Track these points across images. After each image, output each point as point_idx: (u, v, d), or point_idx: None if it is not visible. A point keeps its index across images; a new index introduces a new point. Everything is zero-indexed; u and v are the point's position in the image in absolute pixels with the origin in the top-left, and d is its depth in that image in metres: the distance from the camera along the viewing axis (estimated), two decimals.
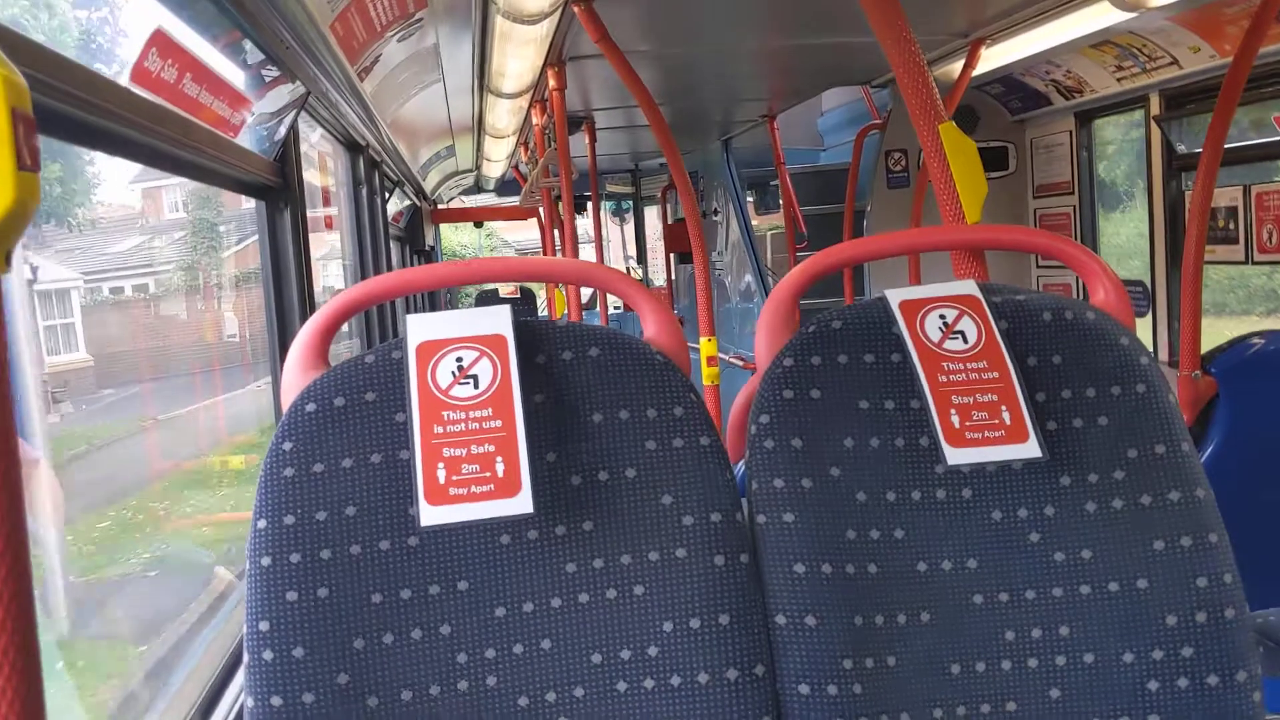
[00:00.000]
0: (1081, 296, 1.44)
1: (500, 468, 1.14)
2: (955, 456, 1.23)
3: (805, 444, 1.28)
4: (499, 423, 1.16)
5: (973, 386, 1.27)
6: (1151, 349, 4.42)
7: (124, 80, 1.71)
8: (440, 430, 1.16)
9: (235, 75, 2.44)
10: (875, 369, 1.31)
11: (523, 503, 1.12)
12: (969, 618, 1.24)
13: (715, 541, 1.22)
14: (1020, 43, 4.26)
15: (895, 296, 1.33)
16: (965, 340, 1.29)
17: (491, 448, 1.15)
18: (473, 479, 1.13)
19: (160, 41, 1.84)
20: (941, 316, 1.31)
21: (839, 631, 1.22)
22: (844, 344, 1.32)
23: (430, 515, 1.12)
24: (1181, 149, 4.33)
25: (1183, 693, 1.23)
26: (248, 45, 2.36)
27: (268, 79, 2.54)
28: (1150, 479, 1.28)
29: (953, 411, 1.25)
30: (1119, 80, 4.45)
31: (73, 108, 1.37)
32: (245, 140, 2.45)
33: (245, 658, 1.16)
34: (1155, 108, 4.37)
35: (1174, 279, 4.32)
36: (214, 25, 2.18)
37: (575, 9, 3.28)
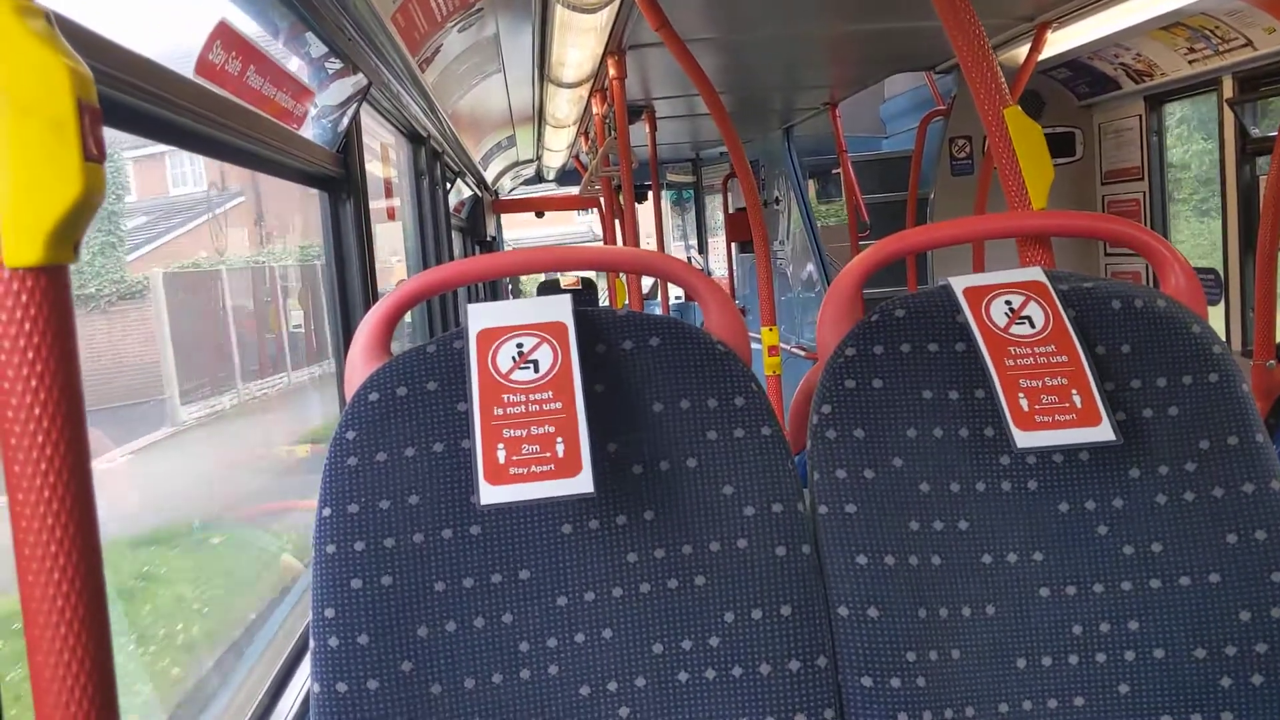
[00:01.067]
0: (1152, 284, 1.41)
1: (560, 448, 1.14)
2: (1024, 440, 1.21)
3: (868, 434, 1.26)
4: (559, 404, 1.16)
5: (1041, 370, 1.24)
6: (1224, 338, 4.33)
7: (189, 73, 1.73)
8: (500, 412, 1.16)
9: (298, 67, 2.47)
10: (939, 358, 1.29)
11: (583, 482, 1.12)
12: (1035, 611, 1.22)
13: (777, 532, 1.22)
14: (1088, 26, 4.19)
15: (959, 284, 1.31)
16: (1032, 325, 1.27)
17: (551, 429, 1.15)
18: (533, 459, 1.13)
19: (224, 34, 1.86)
20: (1007, 302, 1.29)
21: (902, 623, 1.20)
22: (907, 333, 1.30)
23: (490, 494, 1.12)
24: (1255, 132, 4.23)
25: (1257, 690, 1.19)
26: (310, 37, 2.38)
27: (330, 71, 2.56)
28: (1223, 471, 1.25)
29: (1021, 395, 1.23)
30: (1190, 63, 4.35)
31: (138, 100, 1.39)
32: (308, 132, 2.48)
33: (311, 644, 1.17)
34: (1228, 90, 4.27)
35: (1248, 266, 4.22)
36: (277, 18, 2.21)
37: None
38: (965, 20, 1.65)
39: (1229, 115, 4.28)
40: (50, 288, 0.67)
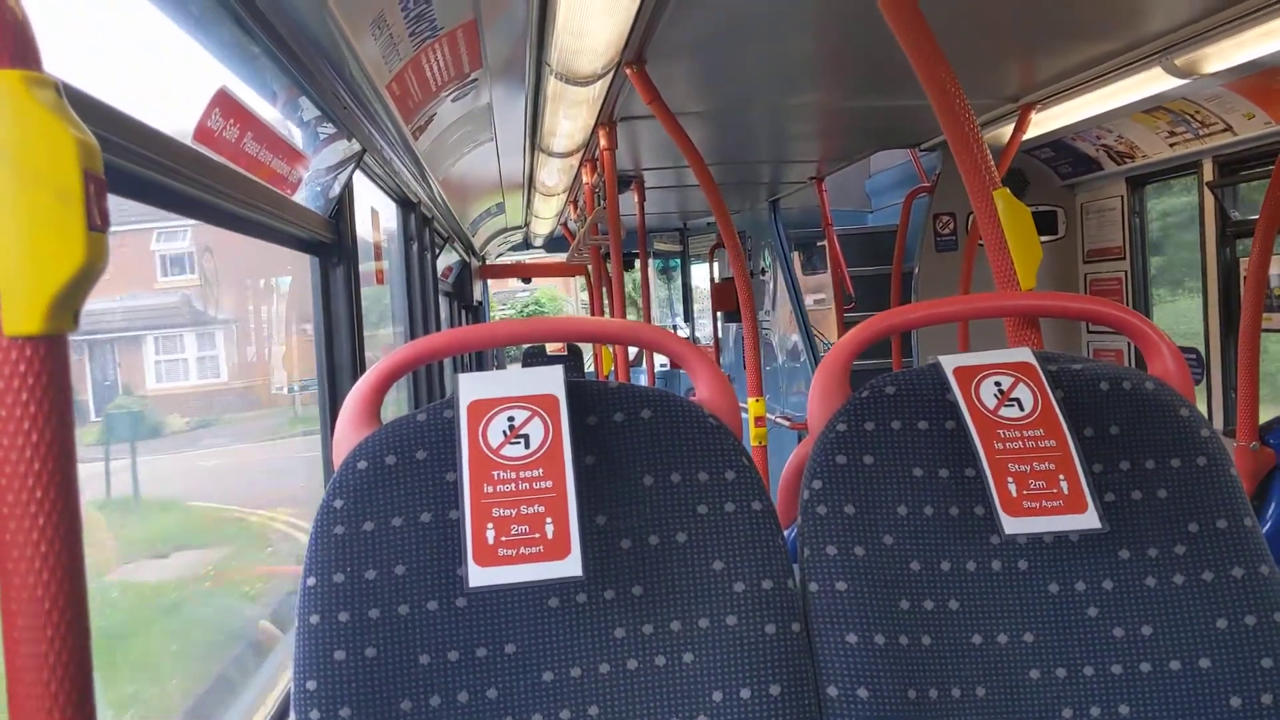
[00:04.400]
0: (1134, 362, 1.42)
1: (550, 529, 1.13)
2: (1012, 525, 1.21)
3: (858, 511, 1.26)
4: (549, 483, 1.15)
5: (1029, 455, 1.25)
6: (1206, 418, 4.35)
7: (187, 139, 1.75)
8: (490, 490, 1.15)
9: (293, 133, 2.49)
10: (929, 436, 1.29)
11: (572, 565, 1.11)
12: (1025, 693, 1.21)
13: (766, 609, 1.21)
14: (1071, 108, 4.26)
15: (949, 363, 1.32)
16: (1021, 408, 1.28)
17: (541, 509, 1.14)
18: (522, 540, 1.13)
19: (223, 102, 1.88)
20: (996, 383, 1.30)
21: (892, 705, 1.19)
22: (898, 410, 1.30)
23: (479, 576, 1.11)
24: (1235, 215, 4.29)
25: None
26: (305, 103, 2.41)
27: (324, 136, 2.58)
28: (1212, 554, 1.25)
29: (1009, 479, 1.23)
30: (1171, 146, 4.43)
31: (139, 166, 1.40)
32: (301, 197, 2.49)
33: (292, 716, 1.16)
34: (1208, 173, 4.34)
35: (1229, 347, 4.26)
36: (273, 84, 2.23)
37: (627, 71, 3.33)
38: (954, 102, 1.68)
39: (1209, 198, 4.35)
40: (49, 356, 0.67)
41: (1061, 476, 1.23)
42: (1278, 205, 3.00)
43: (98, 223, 0.69)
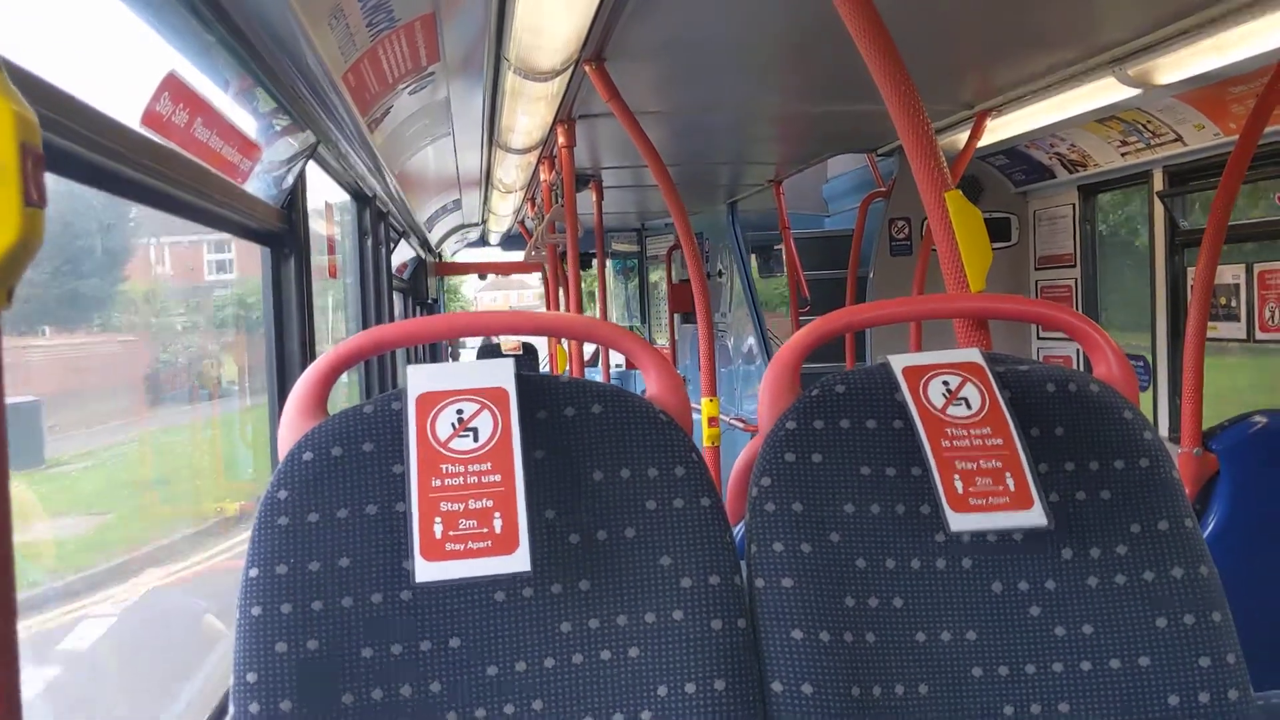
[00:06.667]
0: (1082, 368, 1.44)
1: (498, 524, 1.12)
2: (958, 522, 1.22)
3: (806, 508, 1.26)
4: (498, 477, 1.14)
5: (976, 453, 1.25)
6: (1151, 422, 4.40)
7: (134, 123, 1.72)
8: (438, 483, 1.14)
9: (246, 122, 2.46)
10: (877, 435, 1.30)
11: (519, 560, 1.11)
12: (967, 691, 1.22)
13: (713, 605, 1.21)
14: (1025, 116, 4.30)
15: (898, 362, 1.33)
16: (969, 407, 1.29)
17: (490, 503, 1.13)
18: (470, 534, 1.12)
19: (172, 85, 1.85)
20: (945, 383, 1.30)
21: (836, 702, 1.19)
22: (847, 409, 1.31)
23: (425, 571, 1.10)
24: (1184, 225, 4.35)
25: None
26: (259, 93, 2.38)
27: (278, 127, 2.55)
28: (1153, 555, 1.27)
29: (956, 477, 1.24)
30: (1123, 155, 4.48)
31: (82, 148, 1.37)
32: (253, 187, 2.46)
33: (231, 710, 1.14)
34: (1158, 183, 4.40)
35: (1175, 354, 4.32)
36: (227, 71, 2.20)
37: (586, 68, 3.32)
38: (910, 106, 1.68)
39: (1159, 207, 4.41)
40: None
41: (1008, 474, 1.24)
42: (1225, 215, 3.05)
43: (34, 198, 0.68)
